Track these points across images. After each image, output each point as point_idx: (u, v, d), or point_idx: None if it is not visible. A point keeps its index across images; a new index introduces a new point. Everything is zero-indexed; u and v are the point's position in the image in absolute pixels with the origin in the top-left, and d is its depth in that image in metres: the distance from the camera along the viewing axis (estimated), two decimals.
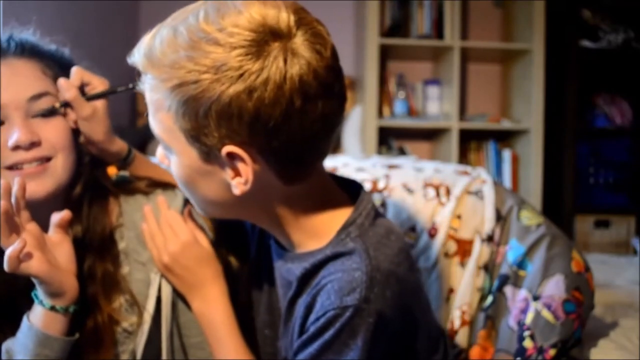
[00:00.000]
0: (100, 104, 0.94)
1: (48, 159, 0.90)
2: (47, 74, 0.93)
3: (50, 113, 0.91)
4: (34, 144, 0.88)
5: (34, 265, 0.82)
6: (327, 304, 0.73)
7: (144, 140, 2.70)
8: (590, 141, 3.16)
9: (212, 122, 0.69)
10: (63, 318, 0.86)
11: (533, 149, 3.03)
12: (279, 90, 0.67)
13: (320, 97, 0.69)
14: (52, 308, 0.86)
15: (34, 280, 0.85)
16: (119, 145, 1.00)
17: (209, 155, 0.73)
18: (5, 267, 0.80)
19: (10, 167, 0.88)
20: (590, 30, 3.06)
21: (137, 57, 0.78)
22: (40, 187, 0.89)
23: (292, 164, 0.74)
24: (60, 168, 0.91)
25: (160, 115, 0.74)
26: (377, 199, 1.25)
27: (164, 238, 0.94)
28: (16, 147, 0.87)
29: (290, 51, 0.68)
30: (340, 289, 0.73)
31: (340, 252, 0.77)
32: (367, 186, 1.28)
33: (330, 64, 0.70)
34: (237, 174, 0.74)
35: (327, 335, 0.73)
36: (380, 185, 1.27)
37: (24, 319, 0.87)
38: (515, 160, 3.16)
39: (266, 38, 0.67)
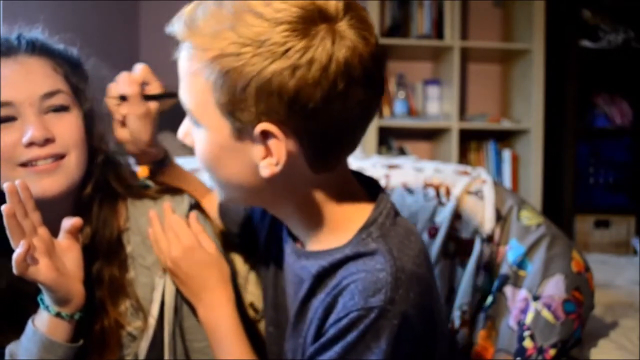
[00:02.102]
0: (153, 105, 0.96)
1: (62, 156, 0.90)
2: (58, 72, 0.93)
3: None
4: (48, 141, 0.88)
5: (42, 272, 0.82)
6: (351, 305, 0.71)
7: None
8: (590, 141, 3.16)
9: (251, 97, 0.67)
10: (68, 324, 0.86)
11: (533, 149, 3.03)
12: (324, 71, 0.65)
13: (362, 84, 0.68)
14: (58, 314, 0.85)
15: (41, 287, 0.84)
16: (159, 148, 1.01)
17: (242, 132, 0.71)
18: (14, 270, 0.80)
19: (24, 164, 0.88)
20: (590, 30, 3.06)
21: (177, 26, 0.77)
22: (53, 184, 0.89)
23: (324, 151, 0.73)
24: (73, 165, 0.91)
25: (197, 87, 0.72)
26: None
27: (167, 243, 0.93)
28: (30, 144, 0.87)
29: (338, 34, 0.66)
30: (365, 290, 0.71)
31: (362, 252, 0.75)
32: None
33: (374, 52, 0.69)
34: (268, 154, 0.71)
35: (350, 337, 0.71)
36: (380, 185, 1.27)
37: (29, 323, 0.87)
38: (515, 160, 3.16)
39: (314, 17, 0.66)
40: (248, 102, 0.68)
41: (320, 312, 0.76)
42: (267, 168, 0.72)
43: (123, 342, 0.95)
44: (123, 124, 0.96)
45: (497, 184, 1.22)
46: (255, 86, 0.66)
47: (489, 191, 1.19)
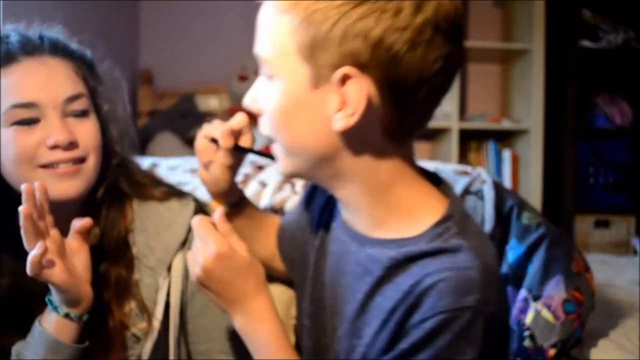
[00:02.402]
0: (241, 157, 0.95)
1: (82, 160, 0.91)
2: (79, 75, 0.94)
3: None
4: (72, 144, 0.89)
5: (56, 274, 0.82)
6: (441, 305, 0.68)
7: (144, 140, 2.70)
8: (590, 141, 3.16)
9: (335, 39, 0.66)
10: (75, 325, 0.87)
11: (533, 149, 3.03)
12: (412, 17, 0.66)
13: (445, 37, 0.68)
14: (67, 315, 0.86)
15: (52, 288, 0.84)
16: (236, 191, 0.99)
17: (320, 78, 0.69)
18: (28, 271, 0.80)
19: (45, 166, 0.88)
20: (590, 30, 3.06)
21: None
22: (73, 187, 0.90)
23: (401, 109, 0.71)
24: (91, 169, 0.92)
25: (278, 32, 0.71)
26: None
27: (194, 251, 0.84)
28: (55, 147, 0.88)
29: None
30: (456, 289, 0.68)
31: (442, 248, 0.72)
32: None
33: (459, 11, 0.70)
34: (343, 106, 0.69)
35: (442, 340, 0.68)
36: None
37: (36, 323, 0.87)
38: (515, 160, 3.16)
39: None
40: (331, 44, 0.67)
41: (399, 313, 0.71)
42: (342, 119, 0.69)
43: (127, 343, 0.95)
44: (206, 165, 0.94)
45: (497, 184, 1.22)
46: (341, 27, 0.66)
47: (489, 191, 1.19)
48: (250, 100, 0.79)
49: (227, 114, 2.96)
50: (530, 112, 3.04)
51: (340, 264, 0.83)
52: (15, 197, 0.90)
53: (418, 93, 0.70)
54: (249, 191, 1.33)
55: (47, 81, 0.89)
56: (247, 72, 2.92)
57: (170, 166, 1.53)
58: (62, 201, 0.89)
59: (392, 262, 0.74)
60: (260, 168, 1.46)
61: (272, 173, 1.41)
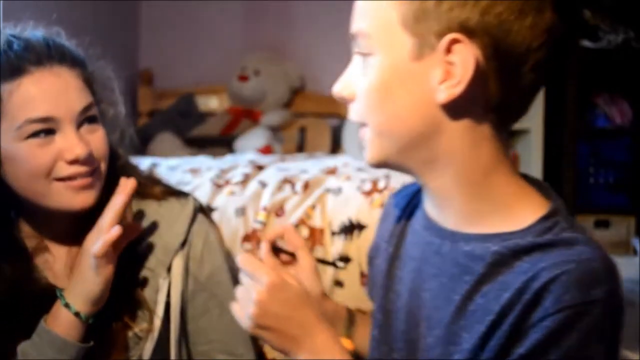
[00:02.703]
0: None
1: (96, 170, 0.91)
2: (86, 82, 0.93)
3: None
4: (89, 157, 0.89)
5: (109, 265, 0.86)
6: (566, 300, 0.63)
7: (144, 140, 2.70)
8: (590, 141, 3.16)
9: (445, 5, 0.64)
10: (81, 325, 0.87)
11: (533, 149, 3.03)
12: None
13: (552, 10, 0.70)
14: (77, 314, 0.86)
15: (83, 280, 0.87)
16: (332, 304, 0.91)
17: (423, 48, 0.66)
18: (98, 249, 0.85)
19: (61, 178, 0.88)
20: (590, 30, 3.05)
21: None
22: (88, 198, 0.91)
23: (507, 81, 0.69)
24: (102, 176, 0.92)
25: (379, 5, 0.69)
26: (377, 198, 1.25)
27: (243, 291, 0.77)
28: (74, 161, 0.87)
29: None
30: (581, 282, 0.63)
31: (555, 241, 0.67)
32: (367, 186, 1.28)
33: None
34: (447, 77, 0.66)
35: (570, 339, 0.63)
36: (380, 185, 1.27)
37: (41, 323, 0.88)
38: (515, 160, 3.16)
39: None
40: (440, 11, 0.65)
41: (513, 314, 0.65)
42: (447, 89, 0.66)
43: (128, 344, 0.95)
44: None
45: None
46: None
47: None
48: (341, 86, 0.75)
49: (227, 114, 2.96)
50: (530, 112, 3.03)
51: (427, 267, 0.77)
52: (15, 203, 0.90)
53: (524, 65, 0.69)
54: (249, 191, 1.33)
55: (62, 94, 0.88)
56: (247, 72, 2.92)
57: (170, 166, 1.53)
58: (79, 212, 0.89)
59: (496, 257, 0.69)
60: (260, 168, 1.46)
61: (272, 173, 1.41)
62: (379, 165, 0.76)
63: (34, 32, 0.93)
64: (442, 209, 0.76)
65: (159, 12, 3.12)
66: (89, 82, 0.94)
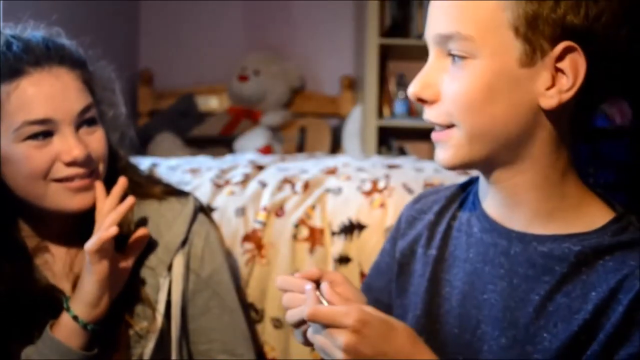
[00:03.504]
0: None
1: (94, 171, 0.91)
2: (85, 83, 0.93)
3: None
4: (87, 158, 0.88)
5: (103, 263, 0.87)
6: None
7: (144, 140, 2.71)
8: (590, 141, 3.16)
9: (560, 12, 0.65)
10: (83, 331, 0.87)
11: None
12: None
13: None
14: (75, 317, 0.87)
15: (83, 280, 0.87)
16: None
17: (534, 54, 0.66)
18: (92, 245, 0.85)
19: (59, 179, 0.88)
20: None
21: None
22: (88, 199, 0.91)
23: (602, 88, 0.71)
24: (101, 178, 0.92)
25: (485, 5, 0.67)
26: (377, 199, 1.25)
27: (324, 342, 0.68)
28: (71, 163, 0.87)
29: None
30: None
31: (636, 239, 0.70)
32: (367, 186, 1.28)
33: None
34: (553, 84, 0.67)
35: None
36: (380, 185, 1.27)
37: (47, 329, 0.88)
38: None
39: None
40: (554, 18, 0.65)
41: (617, 312, 0.67)
42: (556, 96, 0.67)
43: (131, 343, 0.96)
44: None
45: None
46: (566, 2, 0.65)
47: None
48: (421, 88, 0.72)
49: (227, 114, 2.96)
50: None
51: (489, 268, 0.77)
52: (14, 204, 0.90)
53: (617, 75, 0.71)
54: (249, 191, 1.33)
55: (60, 95, 0.87)
56: (247, 72, 2.92)
57: (170, 166, 1.53)
58: (77, 212, 0.89)
59: (580, 257, 0.71)
60: (260, 168, 1.46)
61: (272, 173, 1.41)
62: (461, 166, 0.76)
63: (34, 32, 0.93)
64: (512, 210, 0.76)
65: (159, 12, 3.12)
66: (89, 83, 0.93)
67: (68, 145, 0.87)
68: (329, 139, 2.85)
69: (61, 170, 0.88)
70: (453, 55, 0.70)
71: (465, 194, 0.87)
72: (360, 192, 1.26)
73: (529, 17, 0.66)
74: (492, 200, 0.78)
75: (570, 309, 0.70)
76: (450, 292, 0.80)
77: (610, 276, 0.69)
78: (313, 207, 1.26)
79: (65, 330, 0.87)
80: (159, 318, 0.95)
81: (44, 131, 0.87)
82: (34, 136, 0.86)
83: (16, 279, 0.90)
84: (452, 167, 0.75)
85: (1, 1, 1.58)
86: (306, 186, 1.32)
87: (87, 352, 0.87)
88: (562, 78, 0.67)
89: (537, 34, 0.66)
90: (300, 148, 2.82)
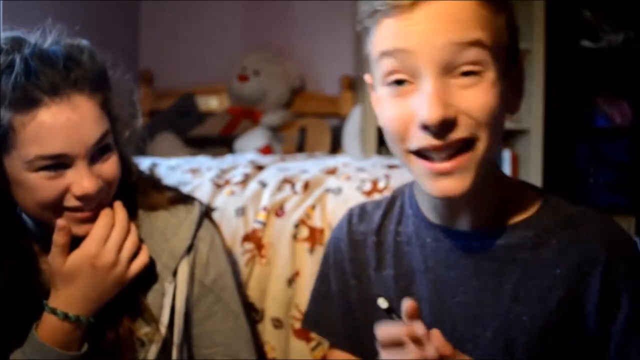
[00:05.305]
0: None
1: (104, 199, 0.90)
2: (103, 107, 0.90)
3: None
4: (99, 192, 0.87)
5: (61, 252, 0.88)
6: (628, 249, 0.75)
7: (143, 140, 2.70)
8: (590, 141, 3.16)
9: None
10: (73, 329, 0.87)
11: (533, 149, 3.03)
12: None
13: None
14: (53, 311, 0.86)
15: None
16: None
17: (510, 64, 0.73)
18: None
19: (69, 208, 0.88)
20: (590, 30, 3.05)
21: None
22: (91, 228, 0.90)
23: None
24: (109, 201, 0.91)
25: (495, 23, 0.70)
26: (377, 198, 1.25)
27: None
28: (82, 197, 0.86)
29: None
30: (622, 231, 0.76)
31: (574, 213, 0.78)
32: (367, 186, 1.27)
33: None
34: (514, 87, 0.75)
35: None
36: (380, 185, 1.27)
37: (32, 331, 0.87)
38: (515, 160, 3.16)
39: None
40: (518, 32, 0.74)
41: (594, 285, 0.73)
42: (519, 99, 0.76)
43: (136, 348, 0.95)
44: None
45: None
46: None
47: None
48: (444, 108, 0.67)
49: (227, 114, 2.96)
50: (530, 112, 3.04)
51: (454, 272, 0.79)
52: (22, 217, 0.91)
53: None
54: (249, 191, 1.33)
55: (77, 128, 0.84)
56: (247, 72, 2.92)
57: (170, 166, 1.53)
58: (81, 237, 0.89)
59: (536, 240, 0.76)
60: (260, 168, 1.46)
61: (272, 173, 1.41)
62: (472, 191, 0.72)
63: (55, 48, 0.87)
64: (462, 213, 0.78)
65: (159, 12, 3.12)
66: (106, 104, 0.90)
67: (80, 179, 0.85)
68: (329, 139, 2.84)
69: (72, 201, 0.87)
70: (468, 72, 0.68)
71: (397, 208, 0.89)
72: (360, 192, 1.26)
73: (515, 35, 0.72)
74: (440, 209, 0.80)
75: (542, 289, 0.75)
76: (419, 305, 0.78)
77: (569, 252, 0.75)
78: (313, 207, 1.26)
79: (53, 328, 0.86)
80: (163, 323, 0.95)
81: (58, 164, 0.85)
82: (46, 167, 0.84)
83: (20, 282, 0.91)
84: (465, 194, 0.72)
85: (1, 1, 1.58)
86: (306, 186, 1.32)
87: (76, 352, 0.87)
88: (521, 81, 0.75)
89: (515, 48, 0.73)
90: (300, 148, 2.81)
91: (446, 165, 0.70)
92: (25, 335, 0.88)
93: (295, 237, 1.23)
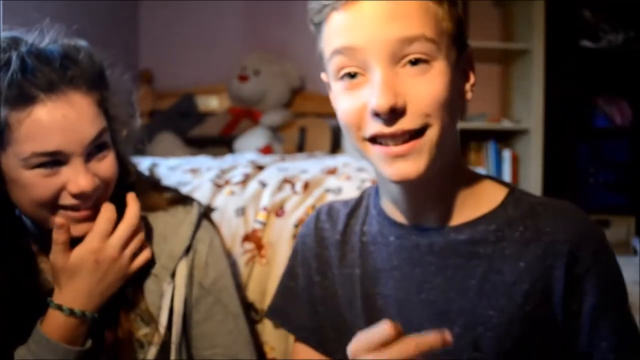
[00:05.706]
0: None
1: (101, 198, 0.90)
2: (100, 105, 0.90)
3: None
4: (95, 190, 0.87)
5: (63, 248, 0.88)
6: (591, 241, 0.75)
7: (143, 140, 2.70)
8: (590, 141, 3.16)
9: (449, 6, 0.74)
10: (78, 324, 0.87)
11: (533, 149, 3.03)
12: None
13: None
14: (72, 313, 0.86)
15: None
16: None
17: (462, 55, 0.76)
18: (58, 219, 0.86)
19: (65, 207, 0.87)
20: (590, 30, 3.05)
21: None
22: (89, 228, 0.90)
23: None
24: (106, 200, 0.91)
25: (436, 13, 0.72)
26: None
27: None
28: (78, 195, 0.86)
29: None
30: (586, 220, 0.76)
31: (536, 204, 0.78)
32: (367, 186, 1.28)
33: None
34: (468, 79, 0.78)
35: (611, 258, 0.76)
36: None
37: (37, 328, 0.87)
38: (515, 160, 3.16)
39: None
40: (465, 24, 0.76)
41: (559, 277, 0.74)
42: (469, 92, 0.78)
43: (135, 349, 0.95)
44: None
45: None
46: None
47: None
48: (394, 96, 0.69)
49: (227, 114, 2.96)
50: (530, 112, 3.04)
51: (420, 269, 0.79)
52: (21, 216, 0.91)
53: None
54: (249, 191, 1.33)
55: (73, 126, 0.84)
56: (247, 72, 2.92)
57: (170, 166, 1.53)
58: (78, 238, 0.89)
59: (498, 234, 0.76)
60: (260, 168, 1.46)
61: (272, 173, 1.41)
62: (427, 175, 0.73)
63: (52, 47, 0.87)
64: (425, 209, 0.79)
65: (159, 12, 3.12)
66: (104, 104, 0.90)
67: (76, 177, 0.85)
68: (329, 139, 2.84)
69: (68, 199, 0.86)
70: (416, 60, 0.71)
71: (363, 209, 0.90)
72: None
73: (459, 24, 0.74)
74: (402, 205, 0.81)
75: (506, 283, 0.75)
76: (385, 304, 0.82)
77: (532, 245, 0.75)
78: (313, 207, 1.26)
79: (58, 324, 0.87)
80: (162, 324, 0.95)
81: (54, 161, 0.84)
82: (42, 165, 0.84)
83: (21, 282, 0.91)
84: (422, 178, 0.72)
85: (1, 1, 1.58)
86: (306, 186, 1.32)
87: (80, 348, 0.87)
88: (471, 74, 0.77)
89: (460, 38, 0.75)
90: (300, 148, 2.81)
91: (401, 147, 0.71)
92: (26, 335, 0.88)
93: (295, 237, 1.23)
